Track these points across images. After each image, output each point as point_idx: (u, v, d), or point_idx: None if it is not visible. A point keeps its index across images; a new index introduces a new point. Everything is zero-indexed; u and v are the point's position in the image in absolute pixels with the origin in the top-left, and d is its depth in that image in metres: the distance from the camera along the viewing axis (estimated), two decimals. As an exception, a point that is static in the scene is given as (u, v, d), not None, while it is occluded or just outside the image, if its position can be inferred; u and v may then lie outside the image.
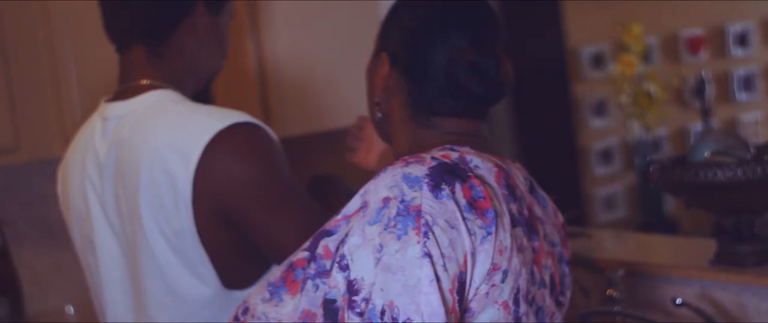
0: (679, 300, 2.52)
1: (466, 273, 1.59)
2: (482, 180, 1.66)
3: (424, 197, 1.60)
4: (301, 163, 2.99)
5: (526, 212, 1.74)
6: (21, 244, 3.54)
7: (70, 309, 3.41)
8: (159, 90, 2.26)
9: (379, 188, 1.63)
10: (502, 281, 1.63)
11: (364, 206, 1.64)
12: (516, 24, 5.69)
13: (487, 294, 1.62)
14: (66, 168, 2.40)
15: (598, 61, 5.80)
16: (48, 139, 3.24)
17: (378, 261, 1.58)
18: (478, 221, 1.61)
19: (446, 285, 1.57)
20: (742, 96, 6.34)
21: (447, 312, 1.57)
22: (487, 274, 1.62)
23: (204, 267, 2.17)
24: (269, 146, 2.17)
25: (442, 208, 1.60)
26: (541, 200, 1.84)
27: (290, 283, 1.64)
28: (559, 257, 1.83)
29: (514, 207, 1.70)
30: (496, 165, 1.72)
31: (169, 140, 2.15)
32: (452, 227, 1.59)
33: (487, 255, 1.61)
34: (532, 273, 1.71)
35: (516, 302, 1.67)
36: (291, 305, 1.63)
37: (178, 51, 2.29)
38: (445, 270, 1.57)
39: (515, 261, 1.65)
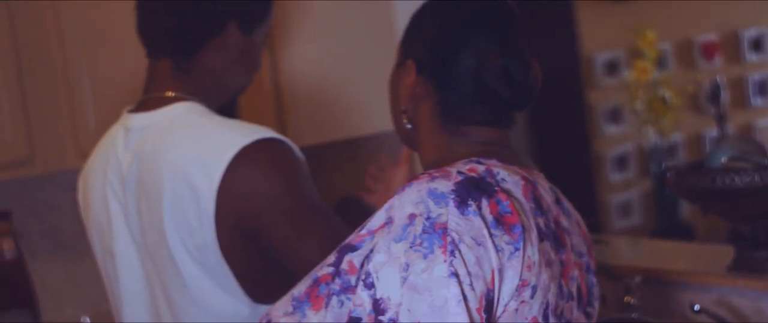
0: (697, 307, 2.51)
1: (493, 290, 1.57)
2: (509, 194, 1.63)
3: (450, 214, 1.57)
4: (318, 172, 2.99)
5: (553, 225, 1.70)
6: (36, 256, 3.55)
7: (87, 320, 3.41)
8: (183, 102, 2.24)
9: (405, 204, 1.60)
10: (532, 297, 1.60)
11: (389, 221, 1.60)
12: (530, 32, 5.69)
13: (517, 310, 1.60)
14: (87, 177, 2.40)
15: (612, 67, 5.79)
16: (62, 151, 3.24)
17: (404, 280, 1.55)
18: (506, 237, 1.58)
19: (473, 304, 1.54)
20: (757, 101, 6.32)
21: None
22: (516, 290, 1.59)
23: (228, 281, 2.16)
24: (293, 162, 2.16)
25: (468, 225, 1.56)
26: (566, 210, 1.80)
27: (314, 299, 1.61)
28: (586, 267, 1.80)
29: (541, 221, 1.66)
30: (523, 178, 1.69)
31: (192, 154, 2.14)
32: (479, 245, 1.56)
33: (515, 271, 1.58)
34: (560, 287, 1.68)
35: (545, 317, 1.64)
36: (315, 320, 1.60)
37: (204, 67, 2.27)
38: (472, 288, 1.54)
39: (544, 276, 1.62)
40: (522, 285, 1.59)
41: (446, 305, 1.53)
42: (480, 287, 1.55)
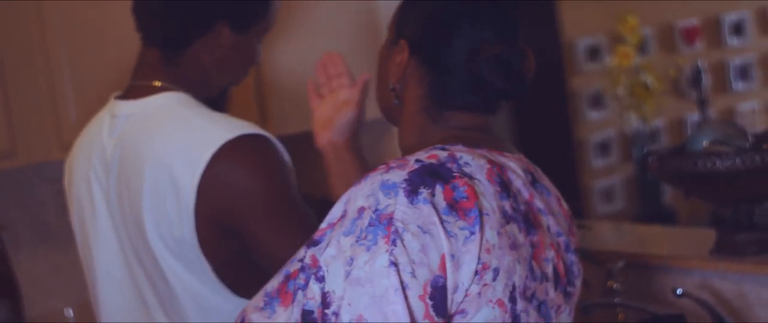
0: (679, 291, 2.52)
1: (444, 276, 1.57)
2: (471, 178, 1.64)
3: (398, 204, 1.58)
4: (300, 160, 2.98)
5: (522, 207, 1.70)
6: (19, 248, 3.53)
7: (70, 312, 3.40)
8: (170, 93, 2.24)
9: (358, 197, 1.62)
10: (494, 279, 1.61)
11: (344, 214, 1.62)
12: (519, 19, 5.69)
13: (480, 293, 1.60)
14: (72, 161, 2.40)
15: (594, 53, 5.80)
16: (44, 143, 3.23)
17: (348, 274, 1.57)
18: (460, 223, 1.59)
19: (416, 291, 1.55)
20: (738, 86, 6.34)
21: (417, 320, 1.55)
22: (477, 274, 1.59)
23: (206, 274, 2.16)
24: (275, 159, 2.16)
25: (416, 213, 1.57)
26: (544, 190, 1.79)
27: (284, 295, 1.62)
28: (564, 246, 1.79)
29: (507, 204, 1.66)
30: (489, 162, 1.69)
31: (175, 146, 2.14)
32: (425, 233, 1.56)
33: (472, 255, 1.58)
34: (531, 269, 1.68)
35: (512, 300, 1.64)
36: (284, 317, 1.61)
37: (193, 62, 2.27)
38: (414, 276, 1.55)
39: (508, 259, 1.63)
40: (483, 267, 1.59)
41: (386, 294, 1.54)
42: (424, 274, 1.55)
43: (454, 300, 1.58)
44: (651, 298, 2.83)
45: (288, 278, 1.63)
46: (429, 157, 1.65)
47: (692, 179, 2.59)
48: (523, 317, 1.66)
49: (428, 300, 1.55)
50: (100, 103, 2.47)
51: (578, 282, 1.84)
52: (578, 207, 5.19)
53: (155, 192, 2.14)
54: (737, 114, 6.29)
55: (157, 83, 2.26)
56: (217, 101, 2.35)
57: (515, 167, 1.74)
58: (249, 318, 1.65)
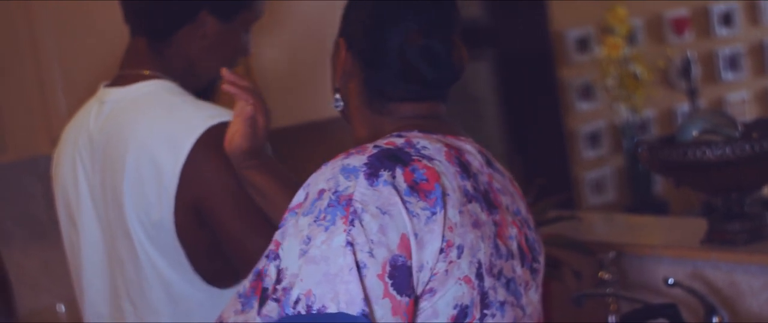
0: (671, 280, 2.52)
1: (406, 256, 1.60)
2: (430, 160, 1.69)
3: (358, 186, 1.62)
4: (287, 154, 2.98)
5: (483, 187, 1.76)
6: (10, 243, 3.53)
7: (61, 308, 3.40)
8: (157, 80, 2.27)
9: (319, 181, 1.66)
10: (459, 257, 1.65)
11: (306, 197, 1.66)
12: (500, 10, 5.69)
13: (447, 271, 1.63)
14: (59, 148, 2.42)
15: (583, 44, 5.80)
16: (34, 138, 3.23)
17: (304, 252, 1.59)
18: (421, 204, 1.63)
19: (374, 270, 1.58)
20: (728, 76, 6.35)
21: (376, 298, 1.57)
22: (441, 252, 1.63)
23: (180, 261, 2.17)
24: None
25: (375, 195, 1.61)
26: (498, 171, 1.86)
27: (260, 292, 1.63)
28: (525, 224, 1.86)
29: (468, 184, 1.72)
30: (446, 145, 1.74)
31: (159, 131, 2.16)
32: (384, 213, 1.60)
33: (434, 234, 1.62)
34: (496, 247, 1.72)
35: (479, 276, 1.68)
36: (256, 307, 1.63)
37: (178, 51, 2.30)
38: (372, 256, 1.58)
39: (471, 236, 1.67)
40: (446, 245, 1.63)
41: (340, 273, 1.57)
42: (382, 254, 1.58)
43: (420, 279, 1.62)
44: (643, 288, 2.84)
45: (259, 275, 1.65)
46: (387, 143, 1.70)
47: (682, 168, 2.60)
48: (491, 294, 1.70)
49: (387, 279, 1.58)
50: (90, 97, 2.47)
51: (541, 259, 1.90)
52: (569, 198, 5.21)
53: (137, 175, 2.15)
54: (727, 104, 6.30)
55: (145, 72, 2.27)
56: (205, 94, 2.35)
57: (471, 149, 1.80)
58: (227, 320, 1.66)
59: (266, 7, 2.41)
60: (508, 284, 1.75)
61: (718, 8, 6.29)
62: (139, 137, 2.17)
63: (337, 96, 1.90)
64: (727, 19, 6.33)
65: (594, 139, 5.85)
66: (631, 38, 5.77)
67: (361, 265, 1.57)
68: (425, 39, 1.80)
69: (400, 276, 1.59)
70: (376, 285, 1.58)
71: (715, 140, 2.56)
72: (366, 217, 1.59)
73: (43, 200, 3.54)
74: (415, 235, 1.61)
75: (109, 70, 2.47)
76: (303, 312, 1.56)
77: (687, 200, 5.44)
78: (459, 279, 1.65)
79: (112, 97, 2.29)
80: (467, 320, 1.67)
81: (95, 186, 2.27)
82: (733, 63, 6.36)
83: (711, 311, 2.51)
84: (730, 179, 2.60)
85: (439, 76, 1.82)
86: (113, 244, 2.24)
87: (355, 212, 1.60)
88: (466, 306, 1.67)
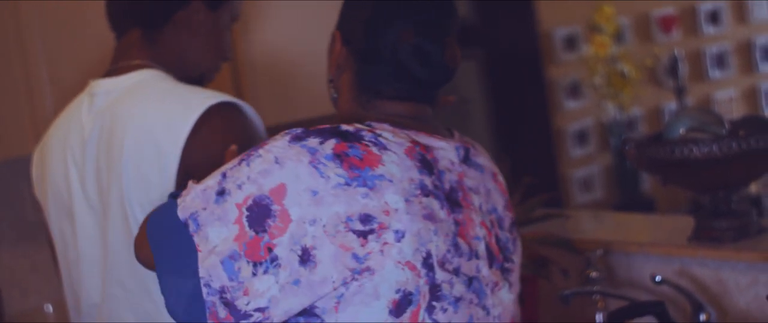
0: (658, 278, 2.53)
1: (277, 203, 1.69)
2: (381, 148, 1.74)
3: (276, 141, 1.75)
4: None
5: (446, 186, 1.79)
6: (-2, 244, 3.53)
7: (49, 308, 3.39)
8: (149, 69, 2.29)
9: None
10: (398, 241, 1.70)
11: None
12: (488, 8, 5.70)
13: (382, 251, 1.69)
14: (45, 146, 2.42)
15: (570, 43, 5.81)
16: (22, 138, 3.22)
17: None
18: (338, 170, 1.70)
19: (234, 199, 1.72)
20: (715, 74, 6.36)
21: (226, 221, 1.71)
22: (372, 233, 1.68)
23: None
24: (249, 129, 2.21)
25: (283, 150, 1.73)
26: (478, 167, 1.89)
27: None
28: (498, 223, 1.89)
29: (427, 180, 1.76)
30: (412, 141, 1.78)
31: (157, 112, 2.18)
32: (277, 163, 1.71)
33: (339, 199, 1.69)
34: (455, 245, 1.77)
35: (428, 267, 1.72)
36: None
37: (171, 40, 2.33)
38: (240, 188, 1.72)
39: (419, 226, 1.71)
40: (379, 227, 1.69)
41: (199, 187, 1.78)
42: (250, 189, 1.71)
43: (308, 231, 1.69)
44: (630, 286, 2.84)
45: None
46: (350, 125, 1.77)
47: (670, 166, 2.60)
48: (445, 288, 1.75)
49: (244, 210, 1.70)
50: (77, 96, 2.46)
51: (516, 258, 1.94)
52: (556, 197, 5.21)
53: (137, 158, 2.16)
54: (714, 102, 6.32)
55: (137, 62, 2.30)
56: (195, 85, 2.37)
57: (445, 146, 1.84)
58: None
59: (243, 8, 2.46)
60: (470, 282, 1.79)
61: (705, 6, 6.30)
62: (136, 121, 2.18)
63: (331, 87, 1.95)
64: (714, 18, 6.34)
65: (582, 137, 5.86)
66: (618, 37, 5.79)
67: (226, 192, 1.72)
68: (419, 39, 1.82)
69: (259, 212, 1.69)
70: (231, 210, 1.71)
71: (702, 138, 2.57)
72: (257, 161, 1.73)
73: (31, 201, 3.53)
74: (314, 192, 1.69)
75: (97, 70, 2.47)
76: (167, 198, 1.84)
77: (674, 198, 5.45)
78: (399, 263, 1.69)
79: (103, 88, 2.30)
80: (412, 308, 1.72)
81: (87, 179, 2.27)
82: (720, 61, 6.37)
83: (698, 308, 2.51)
84: (717, 177, 2.60)
85: (431, 76, 1.85)
86: (106, 233, 2.24)
87: (250, 156, 1.75)
88: (410, 293, 1.71)
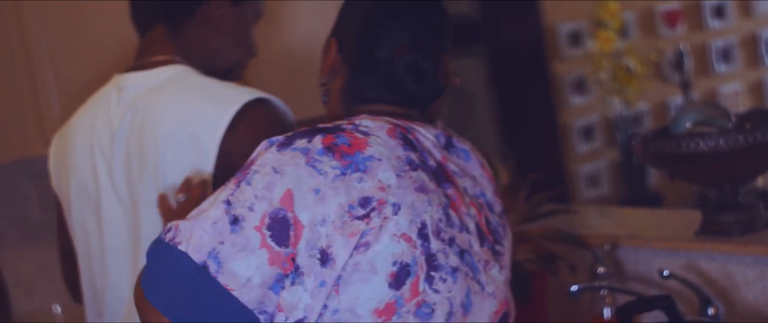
0: (666, 272, 2.52)
1: (290, 210, 1.69)
2: (365, 134, 1.77)
3: (267, 153, 1.76)
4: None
5: (431, 162, 1.82)
6: (3, 245, 3.53)
7: (57, 309, 3.40)
8: (178, 65, 2.30)
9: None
10: (395, 213, 1.72)
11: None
12: (492, 4, 5.69)
13: (382, 226, 1.71)
14: (67, 136, 2.41)
15: (575, 38, 5.80)
16: (27, 139, 3.22)
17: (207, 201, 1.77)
18: (333, 162, 1.72)
19: (252, 223, 1.69)
20: (720, 68, 6.35)
21: (252, 249, 1.68)
22: (373, 210, 1.70)
23: None
24: (283, 124, 2.23)
25: (277, 158, 1.73)
26: (462, 154, 1.93)
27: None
28: (487, 206, 1.92)
29: (413, 155, 1.79)
30: (391, 124, 1.81)
31: (194, 106, 2.20)
32: (277, 172, 1.71)
33: (339, 190, 1.70)
34: (447, 215, 1.79)
35: (423, 237, 1.75)
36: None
37: (194, 36, 2.34)
38: (252, 210, 1.69)
39: (412, 197, 1.74)
40: (378, 204, 1.72)
41: (205, 221, 1.70)
42: (263, 207, 1.69)
43: (321, 233, 1.69)
44: (638, 280, 2.84)
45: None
46: (328, 124, 1.80)
47: (676, 160, 2.60)
48: (441, 257, 1.77)
49: (265, 230, 1.69)
50: (83, 97, 2.46)
51: (507, 243, 1.96)
52: (563, 192, 5.21)
53: (175, 152, 2.18)
54: (720, 96, 6.31)
55: (163, 57, 2.32)
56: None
57: (424, 131, 1.87)
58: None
59: (265, 8, 2.45)
60: (463, 254, 1.81)
61: (710, 1, 6.29)
62: (173, 114, 2.20)
63: (323, 90, 1.97)
64: (719, 12, 6.33)
65: (588, 133, 5.85)
66: (623, 32, 5.78)
67: (240, 218, 1.69)
68: (413, 55, 1.86)
69: (280, 228, 1.69)
70: (253, 237, 1.69)
71: (708, 132, 2.56)
72: (257, 177, 1.72)
73: (36, 202, 3.53)
74: (317, 190, 1.70)
75: (102, 71, 2.47)
76: (165, 241, 1.72)
77: (681, 192, 5.44)
78: (395, 235, 1.72)
79: (132, 81, 2.30)
80: (411, 279, 1.73)
81: (116, 170, 2.27)
82: (725, 55, 6.36)
83: (706, 302, 2.51)
84: (724, 171, 2.60)
85: (422, 92, 1.88)
86: (138, 225, 2.24)
87: (246, 175, 1.73)
88: (407, 264, 1.73)
